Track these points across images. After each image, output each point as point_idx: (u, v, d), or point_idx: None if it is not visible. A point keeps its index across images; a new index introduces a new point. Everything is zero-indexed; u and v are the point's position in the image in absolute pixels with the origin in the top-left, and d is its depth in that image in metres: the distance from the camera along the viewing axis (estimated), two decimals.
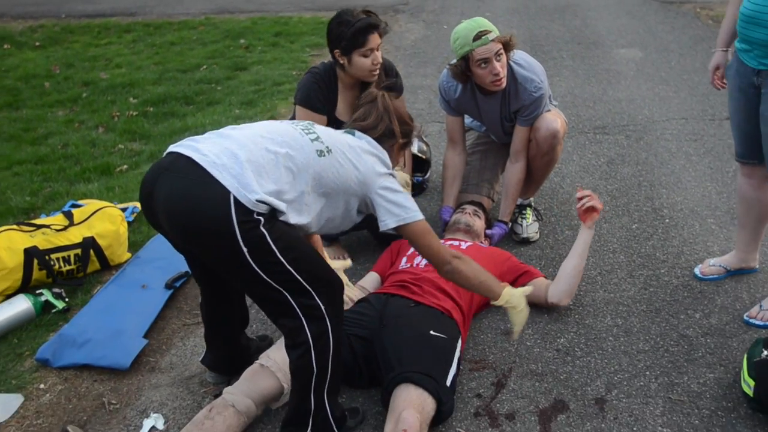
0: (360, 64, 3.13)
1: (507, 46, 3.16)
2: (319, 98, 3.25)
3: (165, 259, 3.40)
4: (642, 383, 2.61)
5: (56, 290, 3.25)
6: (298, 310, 2.16)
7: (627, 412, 2.48)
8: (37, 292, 3.22)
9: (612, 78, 5.99)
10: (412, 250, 3.12)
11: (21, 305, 3.11)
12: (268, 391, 2.47)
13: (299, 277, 2.12)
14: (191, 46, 7.97)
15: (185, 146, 2.10)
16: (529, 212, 3.62)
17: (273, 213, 2.07)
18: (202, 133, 4.52)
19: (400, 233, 2.33)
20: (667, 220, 3.71)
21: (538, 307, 3.05)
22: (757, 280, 3.16)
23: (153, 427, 2.56)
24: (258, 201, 2.00)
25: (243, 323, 2.70)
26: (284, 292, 2.13)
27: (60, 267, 3.34)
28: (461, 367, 2.71)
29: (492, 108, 3.42)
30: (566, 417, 2.48)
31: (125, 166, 4.80)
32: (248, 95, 6.15)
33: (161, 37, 8.46)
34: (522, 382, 2.66)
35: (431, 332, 2.56)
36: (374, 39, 3.09)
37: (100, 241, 3.42)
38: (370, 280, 3.09)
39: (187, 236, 2.11)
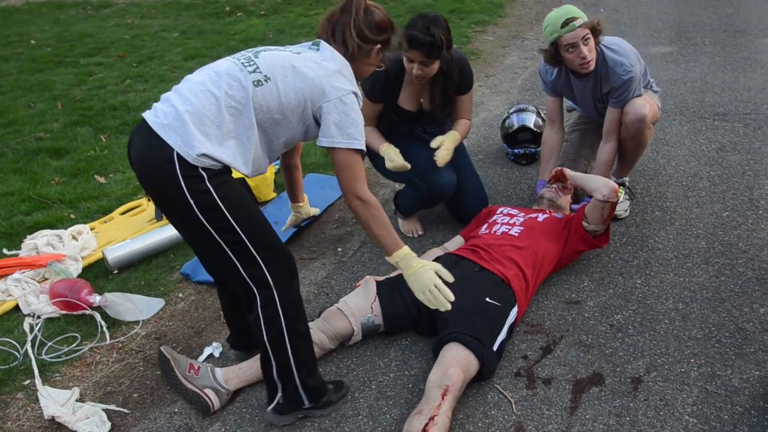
0: (406, 64, 2.79)
1: (594, 31, 2.79)
2: (377, 89, 2.90)
3: None
4: (683, 370, 2.24)
5: None
6: (248, 280, 1.94)
7: (659, 396, 2.14)
8: None
9: (748, 66, 5.15)
10: (494, 218, 2.88)
11: None
12: (340, 331, 2.40)
13: (245, 238, 1.88)
14: None
15: (152, 108, 1.92)
16: (621, 191, 3.22)
17: (224, 169, 1.87)
18: None
19: (329, 153, 2.01)
20: (761, 212, 3.15)
21: (606, 281, 2.73)
22: None
23: None
24: (199, 156, 1.81)
25: None
26: (234, 259, 1.91)
27: None
28: (517, 329, 2.48)
29: (585, 90, 3.04)
30: (599, 390, 2.19)
31: None
32: None
33: None
34: (569, 350, 2.38)
35: (487, 299, 2.34)
36: (416, 55, 2.68)
37: (249, 182, 3.37)
38: (454, 242, 2.88)
39: (152, 194, 1.95)
